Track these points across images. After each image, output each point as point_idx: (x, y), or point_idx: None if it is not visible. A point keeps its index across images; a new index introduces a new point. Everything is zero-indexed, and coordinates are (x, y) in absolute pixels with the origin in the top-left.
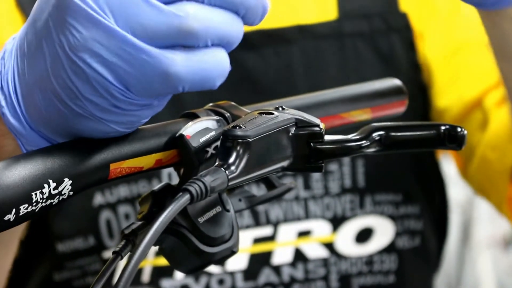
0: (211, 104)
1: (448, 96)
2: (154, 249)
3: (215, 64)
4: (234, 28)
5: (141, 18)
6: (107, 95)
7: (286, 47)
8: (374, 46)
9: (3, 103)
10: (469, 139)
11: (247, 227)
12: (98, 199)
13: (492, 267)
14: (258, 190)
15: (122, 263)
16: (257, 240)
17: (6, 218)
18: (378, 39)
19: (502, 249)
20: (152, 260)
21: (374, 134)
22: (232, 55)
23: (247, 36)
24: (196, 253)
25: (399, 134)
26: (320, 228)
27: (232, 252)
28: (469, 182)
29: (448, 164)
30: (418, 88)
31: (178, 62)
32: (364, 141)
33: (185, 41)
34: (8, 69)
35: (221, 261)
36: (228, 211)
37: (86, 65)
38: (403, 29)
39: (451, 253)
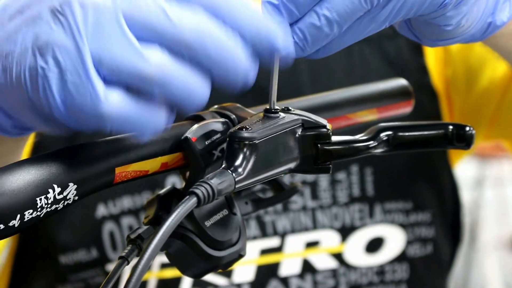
0: (216, 106)
1: (484, 76)
2: (159, 260)
3: (149, 120)
4: (198, 91)
5: (112, 48)
6: (44, 101)
7: None
8: (381, 51)
9: None
10: None
11: (254, 238)
12: (101, 210)
13: (499, 268)
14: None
15: (126, 271)
16: (264, 252)
17: (10, 224)
18: (384, 44)
19: (508, 250)
20: (157, 272)
21: (382, 135)
22: None
23: None
24: (203, 257)
25: (407, 134)
26: (329, 239)
27: (239, 255)
28: None
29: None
30: (427, 92)
31: (113, 103)
32: (371, 142)
33: (139, 84)
34: None
35: (228, 265)
36: (234, 214)
37: (42, 67)
38: None
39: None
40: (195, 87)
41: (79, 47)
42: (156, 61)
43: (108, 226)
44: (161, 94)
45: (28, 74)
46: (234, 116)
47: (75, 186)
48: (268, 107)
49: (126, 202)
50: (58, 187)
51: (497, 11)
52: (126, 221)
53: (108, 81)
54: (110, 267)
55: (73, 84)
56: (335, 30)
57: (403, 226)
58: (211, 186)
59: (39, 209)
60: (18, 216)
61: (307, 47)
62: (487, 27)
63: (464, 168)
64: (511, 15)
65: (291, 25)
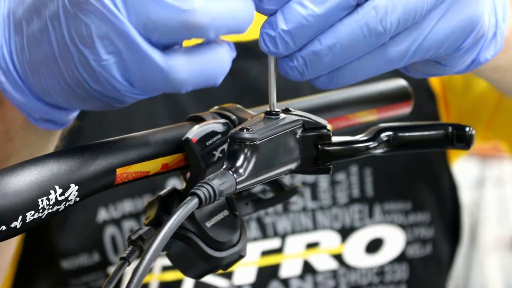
0: (216, 107)
1: (481, 80)
2: (160, 263)
3: (217, 62)
4: (243, 13)
5: (151, 14)
6: (112, 89)
7: None
8: None
9: (3, 79)
10: None
11: (255, 239)
12: (103, 214)
13: (500, 269)
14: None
15: (128, 272)
16: (265, 253)
17: (12, 225)
18: None
19: (509, 250)
20: (158, 275)
21: (382, 135)
22: (235, 64)
23: (250, 45)
24: (204, 257)
25: (407, 134)
26: (329, 240)
27: (240, 256)
28: None
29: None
30: (426, 93)
31: (180, 67)
32: (372, 142)
33: (193, 35)
34: (2, 43)
35: (229, 265)
36: (235, 215)
37: (95, 60)
38: None
39: (458, 255)
40: (240, 8)
41: (120, 25)
42: (198, 6)
43: (110, 230)
44: (216, 34)
45: (84, 70)
46: (234, 117)
47: (77, 187)
48: (268, 108)
49: (127, 205)
50: (59, 188)
51: (483, 48)
52: (128, 224)
53: (164, 45)
54: (112, 270)
55: (132, 62)
56: (337, 60)
57: (403, 226)
58: (212, 187)
59: (40, 210)
60: (20, 217)
61: (306, 72)
62: (470, 63)
63: (465, 168)
64: (496, 53)
65: (293, 53)
